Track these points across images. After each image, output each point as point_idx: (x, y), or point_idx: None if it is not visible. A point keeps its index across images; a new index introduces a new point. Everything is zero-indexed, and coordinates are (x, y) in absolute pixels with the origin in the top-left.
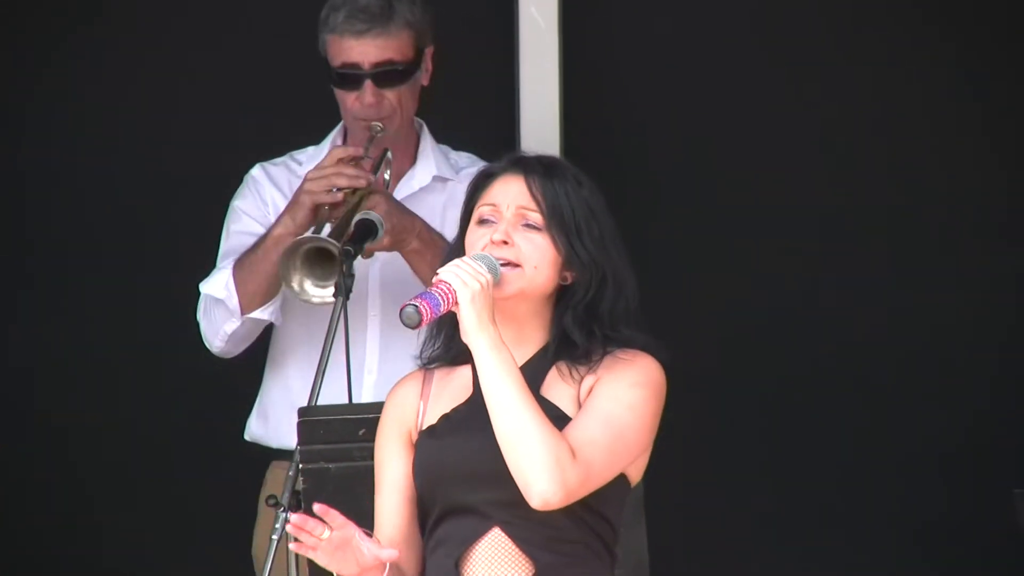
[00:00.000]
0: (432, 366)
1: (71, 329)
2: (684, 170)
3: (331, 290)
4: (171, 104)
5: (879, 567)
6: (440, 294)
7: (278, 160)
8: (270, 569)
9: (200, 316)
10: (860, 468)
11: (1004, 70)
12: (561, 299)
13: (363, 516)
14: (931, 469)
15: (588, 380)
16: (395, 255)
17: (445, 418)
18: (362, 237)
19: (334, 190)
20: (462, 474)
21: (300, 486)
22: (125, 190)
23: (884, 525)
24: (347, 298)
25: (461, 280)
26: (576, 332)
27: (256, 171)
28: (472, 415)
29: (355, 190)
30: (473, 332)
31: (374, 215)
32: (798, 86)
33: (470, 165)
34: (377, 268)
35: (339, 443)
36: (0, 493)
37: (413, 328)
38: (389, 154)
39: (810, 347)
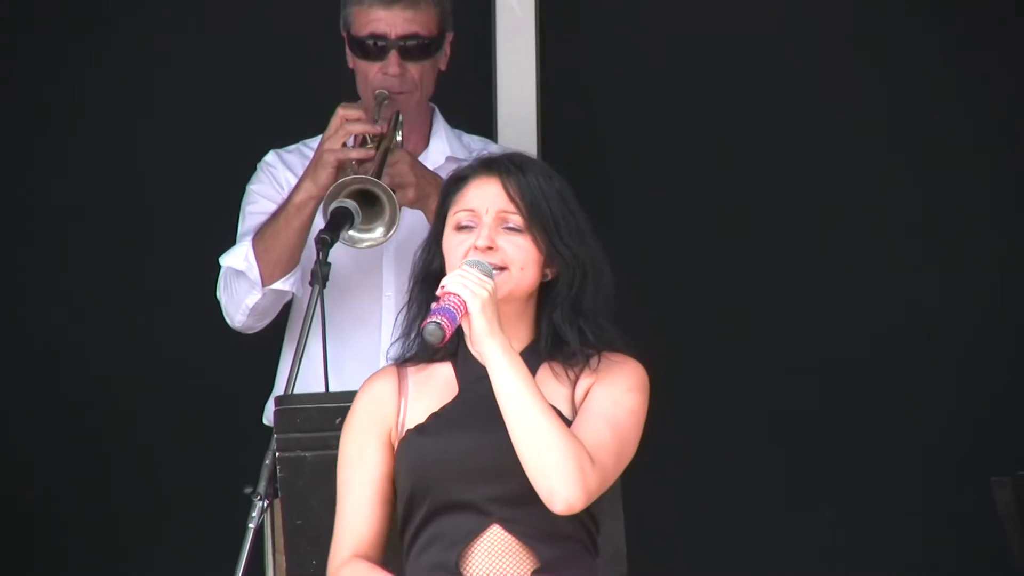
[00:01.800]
0: (404, 364)
1: (88, 312)
2: (662, 160)
3: (379, 232)
4: (189, 96)
5: (860, 554)
6: (453, 306)
7: (291, 147)
8: (246, 557)
9: (220, 292)
10: (841, 457)
11: (989, 59)
12: (544, 297)
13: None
14: (913, 458)
15: (583, 382)
16: (409, 236)
17: (435, 416)
18: (338, 225)
19: (349, 143)
20: (459, 471)
21: (277, 474)
22: (141, 180)
23: (866, 514)
24: (323, 286)
25: (470, 290)
26: (566, 330)
27: (270, 156)
28: (464, 413)
29: (379, 143)
30: (485, 340)
31: (350, 203)
32: (782, 77)
33: (483, 148)
34: (392, 250)
35: (316, 432)
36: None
37: (437, 345)
38: (400, 116)
39: (793, 340)
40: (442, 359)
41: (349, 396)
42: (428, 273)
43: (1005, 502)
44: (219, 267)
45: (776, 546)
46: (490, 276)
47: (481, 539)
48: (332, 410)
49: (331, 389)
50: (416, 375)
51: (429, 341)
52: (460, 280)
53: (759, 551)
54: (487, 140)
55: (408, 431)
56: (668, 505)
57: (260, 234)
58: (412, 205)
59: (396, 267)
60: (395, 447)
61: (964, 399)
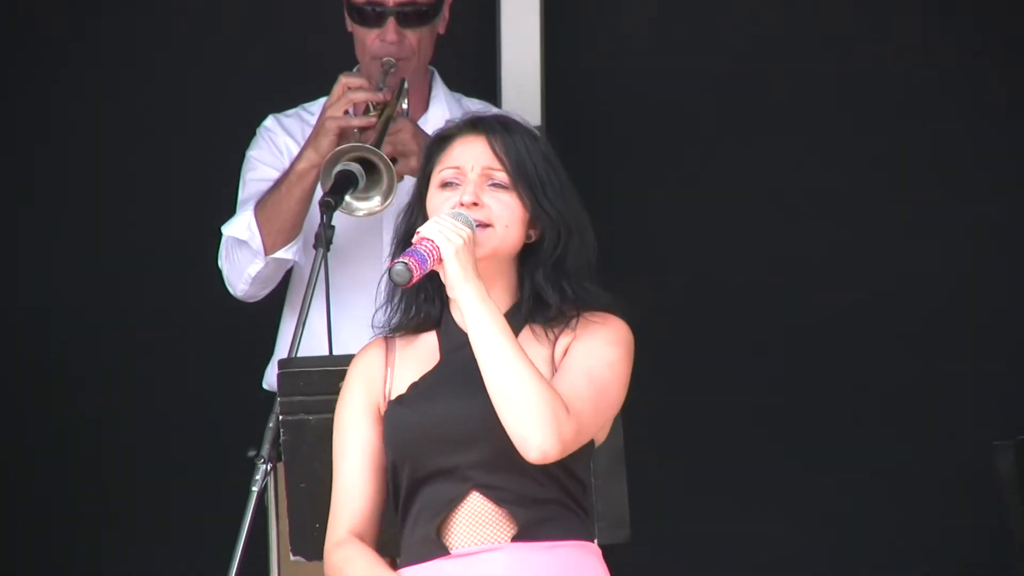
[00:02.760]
0: (393, 335)
1: (90, 281)
2: (668, 124)
3: (376, 201)
4: (190, 61)
5: (860, 518)
6: (425, 251)
7: (290, 112)
8: (250, 520)
9: (222, 261)
10: (841, 420)
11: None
12: (527, 258)
13: None
14: (914, 421)
15: (563, 341)
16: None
17: (413, 386)
18: (342, 188)
19: (351, 112)
20: (434, 439)
21: (280, 438)
22: (140, 144)
23: (865, 479)
24: (327, 249)
25: (444, 236)
26: (548, 291)
27: (269, 121)
28: (441, 381)
29: (381, 111)
30: (459, 285)
31: (354, 166)
32: (783, 46)
33: (483, 110)
34: (392, 214)
35: (319, 395)
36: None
37: (403, 286)
38: (406, 84)
39: (787, 302)
40: (428, 329)
41: (351, 359)
42: (410, 234)
43: (1006, 466)
44: (220, 234)
45: (776, 510)
46: (470, 227)
47: (461, 508)
48: (335, 373)
49: (333, 353)
50: (404, 346)
51: (396, 282)
52: (435, 227)
53: (761, 515)
54: (487, 103)
55: (390, 403)
56: (672, 469)
57: (262, 203)
58: (414, 173)
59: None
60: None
61: (965, 362)
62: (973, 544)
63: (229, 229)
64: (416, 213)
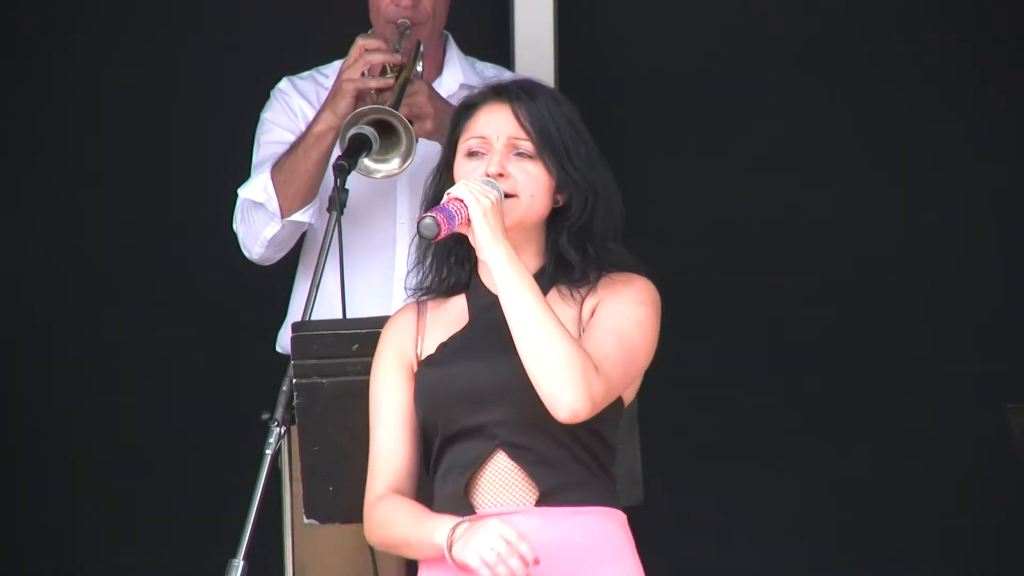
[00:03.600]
0: (425, 298)
1: (96, 243)
2: (681, 87)
3: (395, 163)
4: (205, 23)
5: (873, 482)
6: (454, 209)
7: (304, 74)
8: (263, 483)
9: (237, 224)
10: (855, 383)
11: None
12: (553, 222)
13: (354, 431)
14: (928, 384)
15: (589, 301)
16: (423, 162)
17: (442, 346)
18: (356, 151)
19: (367, 75)
20: (462, 397)
21: (294, 401)
22: (155, 106)
23: (881, 442)
24: (341, 212)
25: (474, 196)
26: (571, 252)
27: (283, 84)
28: (469, 341)
29: (398, 74)
30: (489, 247)
31: (368, 129)
32: (795, 10)
33: (497, 74)
34: (406, 177)
35: (333, 358)
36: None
37: (431, 240)
38: (422, 47)
39: (801, 266)
40: (458, 292)
41: (366, 323)
42: (438, 198)
43: (1020, 428)
44: (235, 197)
45: (787, 470)
46: (498, 191)
47: (487, 467)
48: (349, 336)
49: (346, 316)
50: (434, 309)
51: (423, 235)
52: (464, 188)
53: (772, 477)
54: (501, 68)
55: (420, 363)
56: (687, 431)
57: (278, 165)
58: (430, 136)
59: (410, 194)
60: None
61: (979, 325)
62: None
63: (245, 191)
64: (444, 178)
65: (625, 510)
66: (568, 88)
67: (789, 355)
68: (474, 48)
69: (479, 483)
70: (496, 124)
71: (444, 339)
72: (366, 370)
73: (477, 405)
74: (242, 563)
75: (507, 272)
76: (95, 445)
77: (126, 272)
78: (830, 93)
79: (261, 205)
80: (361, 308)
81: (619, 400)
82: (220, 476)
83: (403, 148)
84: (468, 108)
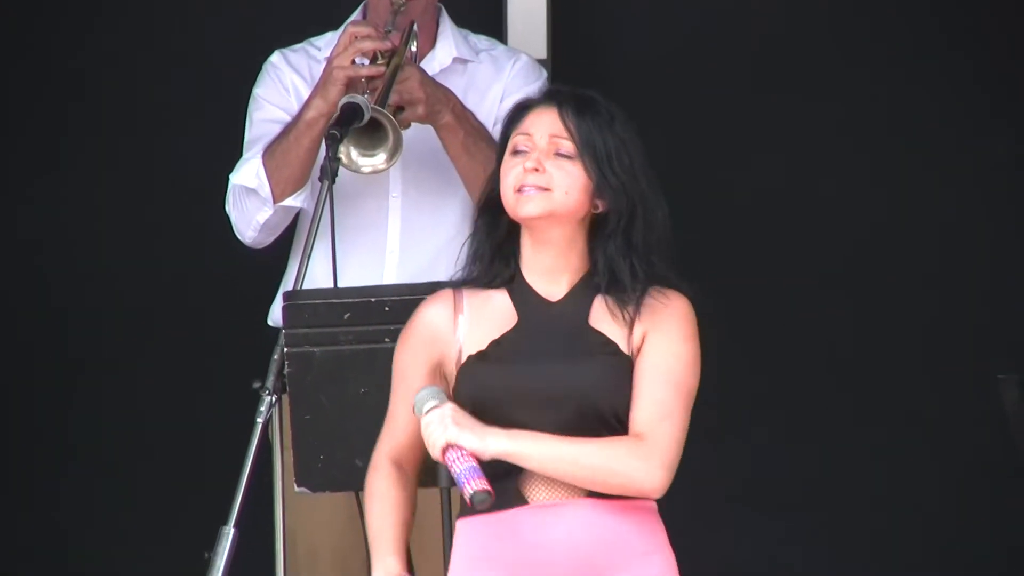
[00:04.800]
0: (461, 288)
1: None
2: (674, 63)
3: (381, 157)
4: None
5: (867, 452)
6: (461, 459)
7: (296, 46)
8: (254, 452)
9: (230, 208)
10: (849, 357)
11: None
12: (598, 230)
13: (346, 400)
14: (919, 356)
15: (639, 327)
16: (416, 136)
17: (495, 344)
18: (348, 121)
19: (359, 61)
20: (520, 397)
21: (285, 370)
22: (151, 78)
23: (876, 415)
24: (332, 182)
25: (441, 435)
26: (621, 266)
27: (275, 57)
28: (523, 341)
29: (389, 59)
30: (484, 444)
31: (360, 98)
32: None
33: (490, 48)
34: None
35: (324, 327)
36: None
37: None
38: (415, 26)
39: (804, 247)
40: (498, 286)
41: (358, 292)
42: (491, 200)
43: (1012, 400)
44: (228, 177)
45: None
46: (436, 397)
47: None
48: (340, 306)
49: (338, 286)
50: (472, 299)
51: (484, 508)
52: (431, 437)
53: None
54: (494, 40)
55: (469, 357)
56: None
57: (270, 151)
58: (422, 121)
59: (403, 168)
60: (453, 371)
61: (971, 296)
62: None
63: (237, 177)
64: (496, 180)
65: None
66: (561, 59)
67: (787, 348)
68: (467, 21)
69: (531, 476)
70: (542, 124)
71: (494, 335)
72: (358, 339)
73: (532, 406)
74: (233, 531)
75: (517, 448)
76: (88, 414)
77: (120, 248)
78: (824, 84)
79: (253, 191)
80: (353, 281)
81: None
82: (211, 444)
83: (390, 144)
84: (522, 109)
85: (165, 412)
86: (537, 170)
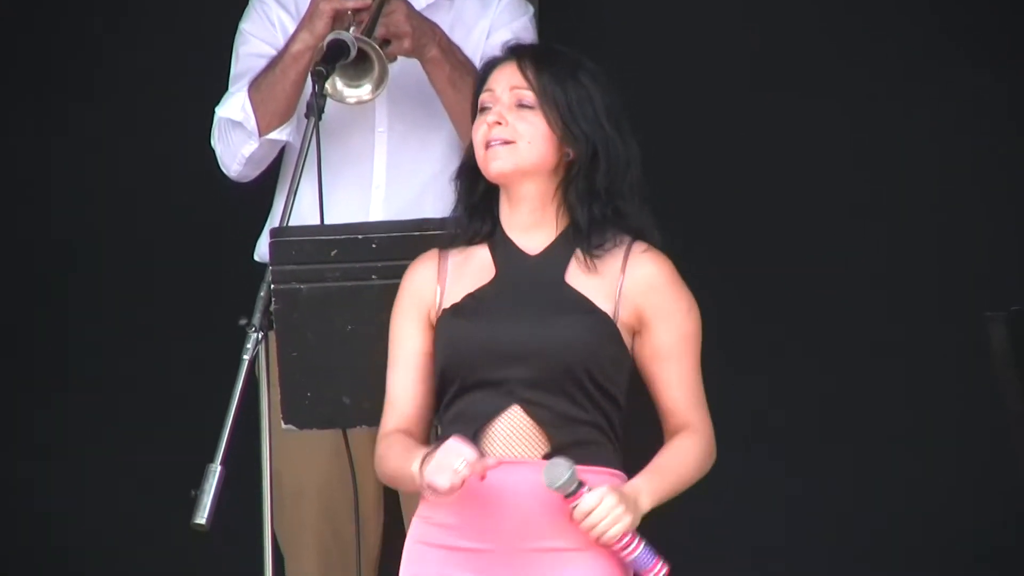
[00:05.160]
0: (447, 248)
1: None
2: (666, 15)
3: (367, 88)
4: None
5: (851, 395)
6: (630, 541)
7: None
8: (241, 389)
9: (215, 142)
10: (831, 301)
11: None
12: (565, 177)
13: (332, 337)
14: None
15: (630, 297)
16: (402, 71)
17: (470, 297)
18: (334, 57)
19: None
20: (487, 351)
21: (272, 307)
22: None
23: (861, 355)
24: (319, 119)
25: (623, 523)
26: (578, 210)
27: None
28: (497, 296)
29: None
30: (648, 506)
31: (346, 35)
32: None
33: None
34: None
35: (311, 264)
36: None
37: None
38: None
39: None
40: (479, 242)
41: (344, 228)
42: (468, 162)
43: (998, 338)
44: (213, 113)
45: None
46: (575, 479)
47: (500, 419)
48: (327, 242)
49: (324, 223)
50: (456, 257)
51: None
52: (608, 525)
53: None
54: None
55: (444, 311)
56: None
57: (256, 84)
58: (408, 55)
59: (389, 103)
60: (434, 327)
61: (957, 234)
62: None
63: (223, 110)
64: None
65: None
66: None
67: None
68: None
69: (491, 432)
70: (503, 78)
71: (471, 289)
72: (344, 276)
73: (500, 360)
74: (219, 468)
75: (666, 496)
76: (74, 349)
77: (108, 183)
78: (823, 82)
79: (239, 123)
80: (339, 217)
81: (630, 361)
82: (197, 382)
83: (375, 75)
84: (487, 68)
85: (151, 348)
86: (500, 123)
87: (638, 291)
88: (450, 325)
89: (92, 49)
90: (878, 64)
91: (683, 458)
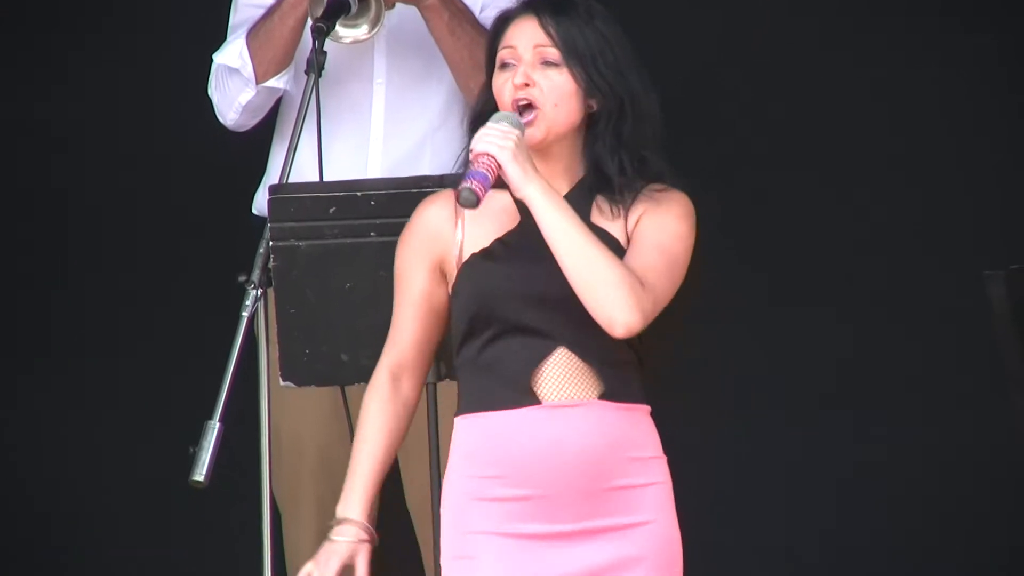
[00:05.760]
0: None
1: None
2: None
3: (363, 29)
4: None
5: (854, 354)
6: (484, 167)
7: None
8: (240, 344)
9: (212, 90)
10: (831, 262)
11: None
12: (590, 129)
13: (331, 294)
14: (904, 252)
15: (633, 214)
16: (401, 23)
17: (500, 242)
18: (335, 13)
19: None
20: (525, 296)
21: (271, 263)
22: None
23: (863, 313)
24: (319, 75)
25: (496, 145)
26: (608, 162)
27: None
28: (527, 242)
29: None
30: (523, 185)
31: None
32: None
33: None
34: (383, 36)
35: (309, 221)
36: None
37: (475, 208)
38: None
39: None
40: (500, 187)
41: (343, 185)
42: (482, 113)
43: (997, 297)
44: (210, 62)
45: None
46: (518, 127)
47: (549, 360)
48: (326, 199)
49: (322, 176)
50: None
51: (465, 207)
52: (485, 139)
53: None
54: None
55: (473, 255)
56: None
57: (254, 31)
58: (406, 1)
59: (387, 54)
60: (454, 269)
61: (957, 193)
62: None
63: (220, 56)
64: (488, 93)
65: None
66: None
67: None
68: None
69: (542, 375)
70: (524, 35)
71: (498, 234)
72: (343, 233)
73: (540, 304)
74: (218, 425)
75: (544, 206)
76: (70, 305)
77: (102, 137)
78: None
79: (236, 70)
80: (336, 168)
81: None
82: (194, 337)
83: (372, 14)
84: (503, 21)
85: (148, 305)
86: (527, 84)
87: (642, 204)
88: (480, 270)
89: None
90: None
91: (605, 252)
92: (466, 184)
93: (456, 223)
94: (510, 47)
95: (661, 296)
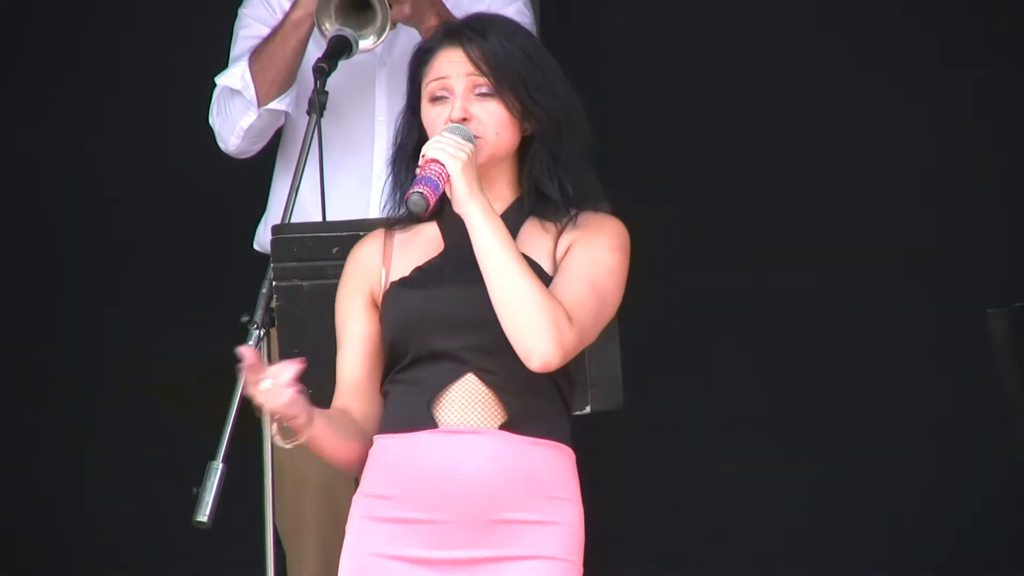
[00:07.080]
0: (393, 229)
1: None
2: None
3: (371, 40)
4: None
5: (856, 386)
6: (435, 174)
7: None
8: (243, 384)
9: (214, 116)
10: (835, 288)
11: None
12: (525, 152)
13: (334, 334)
14: (909, 290)
15: (564, 240)
16: (402, 60)
17: (419, 270)
18: (336, 53)
19: None
20: (441, 321)
21: (274, 303)
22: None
23: (865, 346)
24: (321, 115)
25: (448, 154)
26: (548, 185)
27: None
28: (447, 267)
29: None
30: (465, 201)
31: (348, 31)
32: None
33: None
34: (384, 74)
35: (312, 261)
36: None
37: (422, 214)
38: None
39: (791, 165)
40: (428, 220)
41: (345, 225)
42: (407, 143)
43: (1000, 332)
44: (213, 88)
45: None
46: (470, 140)
47: (455, 386)
48: (329, 239)
49: (325, 216)
50: (402, 235)
51: (414, 211)
52: (439, 146)
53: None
54: None
55: (392, 283)
56: (664, 336)
57: (256, 53)
58: (407, 21)
59: (388, 92)
60: (380, 301)
61: (959, 231)
62: None
63: (223, 79)
64: (411, 123)
65: (603, 415)
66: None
67: (773, 271)
68: None
69: (445, 400)
70: (453, 66)
71: (419, 263)
72: None
73: (452, 329)
74: (221, 465)
75: (483, 227)
76: (75, 340)
77: (97, 157)
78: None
79: (238, 93)
80: (338, 206)
81: None
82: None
83: (378, 24)
84: (425, 53)
85: (152, 343)
86: (465, 119)
87: (573, 231)
88: (399, 296)
89: (94, 35)
90: (874, 58)
91: (536, 283)
92: (416, 189)
93: (383, 257)
94: (439, 79)
95: (587, 334)
